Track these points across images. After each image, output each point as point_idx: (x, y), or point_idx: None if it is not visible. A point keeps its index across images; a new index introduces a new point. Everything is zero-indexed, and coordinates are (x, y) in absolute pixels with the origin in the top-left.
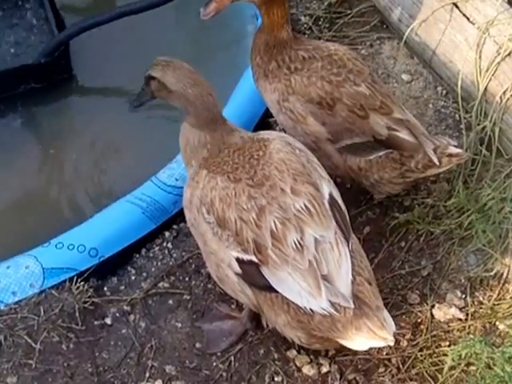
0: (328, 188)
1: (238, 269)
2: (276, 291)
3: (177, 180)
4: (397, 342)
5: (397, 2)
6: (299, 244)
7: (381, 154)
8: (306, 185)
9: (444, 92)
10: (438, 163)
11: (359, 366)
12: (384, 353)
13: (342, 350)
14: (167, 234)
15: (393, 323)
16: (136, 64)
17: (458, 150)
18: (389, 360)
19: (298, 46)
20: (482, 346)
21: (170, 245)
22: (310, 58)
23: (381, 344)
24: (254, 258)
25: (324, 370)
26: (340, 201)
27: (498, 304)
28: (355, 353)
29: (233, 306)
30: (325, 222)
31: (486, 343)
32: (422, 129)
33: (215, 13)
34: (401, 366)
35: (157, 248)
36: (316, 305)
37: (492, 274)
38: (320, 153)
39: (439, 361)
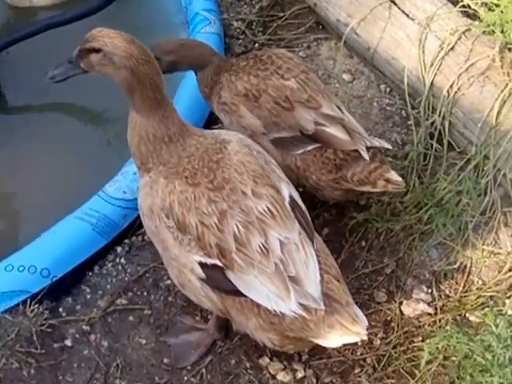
0: (287, 189)
1: (201, 273)
2: (244, 295)
3: (125, 193)
4: (370, 341)
5: (333, 2)
6: (264, 247)
7: (309, 148)
8: (266, 187)
9: (388, 90)
10: (367, 158)
11: (334, 369)
12: (358, 353)
13: (316, 354)
14: (119, 249)
15: (364, 318)
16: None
17: (397, 179)
18: (364, 360)
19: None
20: (460, 336)
21: (123, 260)
22: (235, 65)
23: (354, 339)
24: (218, 262)
25: (299, 375)
26: (300, 201)
27: (465, 296)
28: (329, 355)
29: (197, 318)
30: (288, 223)
31: (463, 334)
32: (359, 129)
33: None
34: (376, 365)
35: (110, 264)
36: (285, 307)
37: (455, 266)
38: None
39: (414, 356)
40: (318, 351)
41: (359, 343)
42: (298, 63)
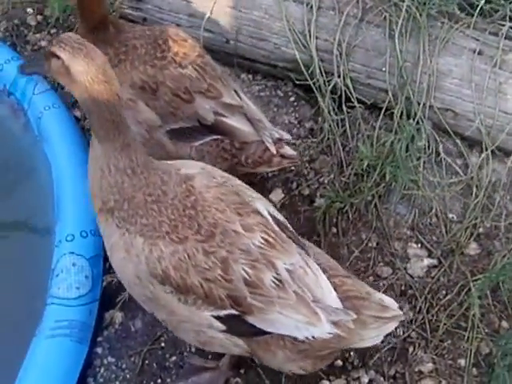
0: (265, 207)
1: (221, 326)
2: (268, 333)
3: (78, 288)
4: None
5: (167, 8)
6: (278, 280)
7: (207, 139)
8: (251, 215)
9: (251, 77)
10: (274, 152)
11: (389, 359)
12: (401, 333)
13: (364, 354)
14: (99, 350)
15: (390, 298)
16: None
17: (292, 153)
18: (410, 337)
19: (120, 38)
20: None
21: (111, 359)
22: (134, 48)
23: (393, 325)
24: (233, 312)
25: (365, 380)
26: (278, 215)
27: (452, 235)
28: (376, 348)
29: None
30: (288, 247)
31: None
32: (260, 116)
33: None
34: (425, 335)
35: (102, 370)
36: (319, 331)
37: (430, 213)
38: (152, 142)
39: (451, 311)
40: (361, 351)
41: None
42: (194, 45)
